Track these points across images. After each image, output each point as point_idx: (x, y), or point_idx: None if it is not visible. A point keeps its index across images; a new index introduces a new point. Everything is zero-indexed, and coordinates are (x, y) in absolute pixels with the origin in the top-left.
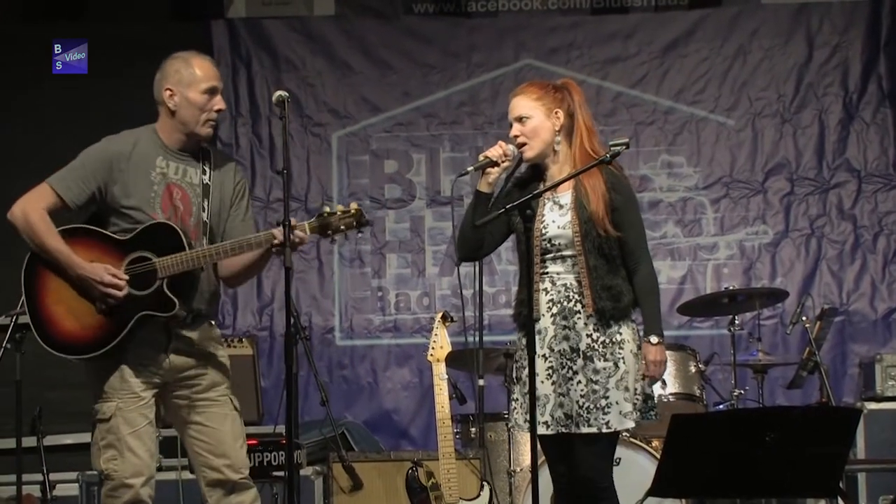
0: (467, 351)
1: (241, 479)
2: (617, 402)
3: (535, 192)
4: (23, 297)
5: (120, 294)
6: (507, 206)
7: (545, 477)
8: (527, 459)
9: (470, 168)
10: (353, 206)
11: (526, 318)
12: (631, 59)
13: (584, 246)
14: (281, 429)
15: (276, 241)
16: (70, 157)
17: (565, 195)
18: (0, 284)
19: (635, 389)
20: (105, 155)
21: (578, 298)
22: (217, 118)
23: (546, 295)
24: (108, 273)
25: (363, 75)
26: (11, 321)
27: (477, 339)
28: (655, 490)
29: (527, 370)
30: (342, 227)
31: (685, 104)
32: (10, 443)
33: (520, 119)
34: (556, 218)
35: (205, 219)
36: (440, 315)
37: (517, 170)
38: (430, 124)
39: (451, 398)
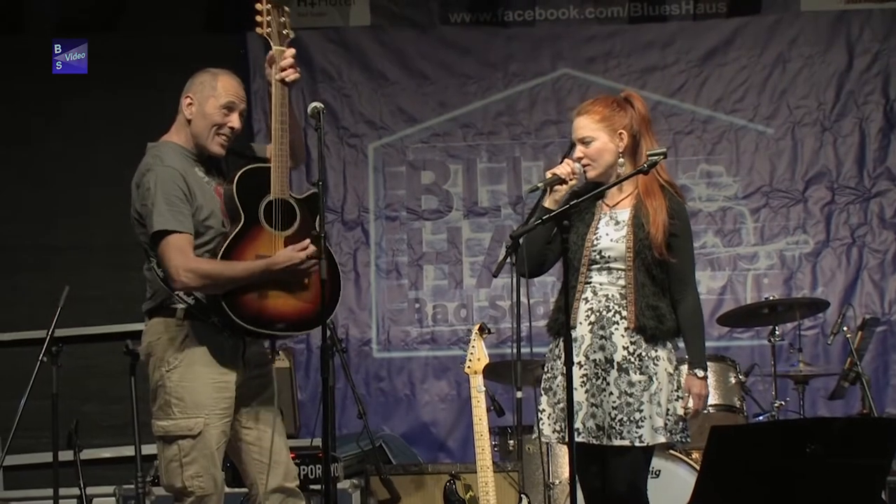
0: (505, 363)
1: (297, 486)
2: (650, 417)
3: (573, 202)
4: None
5: (314, 251)
6: (544, 217)
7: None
8: (565, 472)
9: (539, 184)
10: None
11: (562, 325)
12: (669, 68)
13: (634, 263)
14: (318, 442)
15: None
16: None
17: (624, 212)
18: (35, 299)
19: (667, 409)
20: (176, 175)
21: (618, 310)
22: (231, 136)
23: (586, 304)
24: (295, 251)
25: (399, 86)
26: (47, 334)
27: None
28: (695, 502)
29: (557, 379)
30: (283, 19)
31: (724, 113)
32: (46, 457)
33: (583, 141)
34: (610, 232)
35: None
36: (477, 327)
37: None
38: (466, 135)
39: (489, 410)
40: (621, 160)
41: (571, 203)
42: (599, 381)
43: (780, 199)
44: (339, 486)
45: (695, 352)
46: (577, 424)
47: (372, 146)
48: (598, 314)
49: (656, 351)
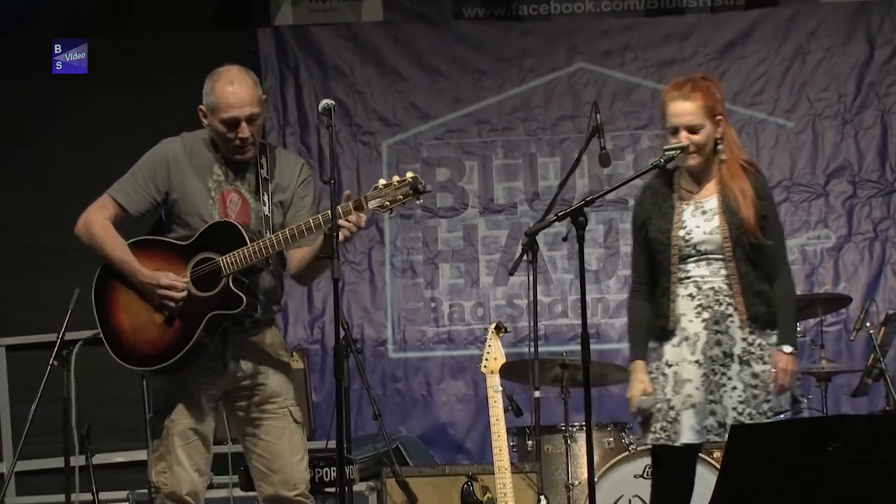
0: (522, 362)
1: (296, 495)
2: (780, 406)
3: (588, 198)
4: (70, 310)
5: (177, 296)
6: (559, 214)
7: (603, 490)
8: (584, 472)
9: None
10: (409, 174)
11: (662, 330)
12: (687, 61)
13: (734, 253)
14: (333, 444)
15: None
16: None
17: (710, 200)
18: (44, 301)
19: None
20: (162, 159)
21: (729, 302)
22: (246, 144)
23: (692, 300)
24: (166, 277)
25: (413, 82)
26: (58, 337)
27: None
28: (716, 501)
29: (658, 381)
30: (400, 196)
31: (743, 106)
32: (59, 461)
33: (690, 128)
34: (700, 223)
35: (266, 212)
36: (494, 325)
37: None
38: (482, 131)
39: (506, 410)
40: (720, 147)
41: (586, 200)
42: (717, 377)
43: (800, 193)
44: (355, 488)
45: (786, 327)
46: (693, 424)
47: (385, 143)
48: (710, 310)
49: (772, 337)
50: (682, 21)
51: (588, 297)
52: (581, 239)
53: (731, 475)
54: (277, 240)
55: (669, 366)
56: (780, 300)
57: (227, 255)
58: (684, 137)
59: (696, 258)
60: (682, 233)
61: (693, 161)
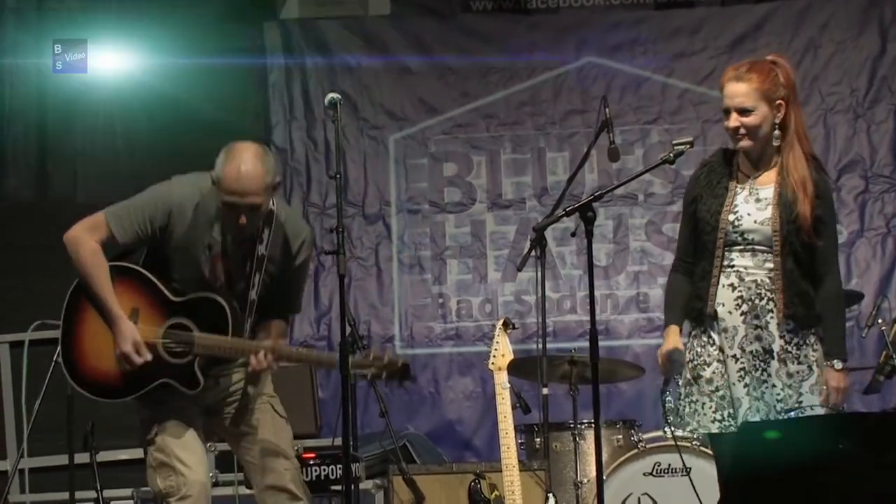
0: (531, 358)
1: (290, 489)
2: (811, 408)
3: (597, 193)
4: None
5: (136, 363)
6: (568, 210)
7: (612, 487)
8: (593, 470)
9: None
10: (402, 361)
11: (700, 312)
12: (697, 55)
13: (783, 248)
14: (340, 441)
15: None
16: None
17: (766, 189)
18: (46, 302)
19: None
20: (167, 205)
21: (770, 297)
22: (244, 231)
23: (734, 291)
24: (132, 345)
25: (420, 76)
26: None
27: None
28: (724, 500)
29: (711, 367)
30: (384, 375)
31: None
32: (62, 459)
33: (742, 110)
34: (752, 211)
35: (253, 296)
36: (501, 322)
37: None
38: (489, 125)
39: (514, 408)
40: (776, 132)
41: (595, 195)
42: (759, 373)
43: None
44: (362, 486)
45: (834, 340)
46: (740, 419)
47: (393, 138)
48: (750, 303)
49: (812, 336)
50: (692, 14)
51: (597, 293)
52: (590, 234)
53: (739, 472)
54: (255, 350)
55: (723, 352)
56: (827, 306)
57: (204, 336)
58: (734, 119)
59: (741, 246)
60: (731, 217)
61: (744, 143)
